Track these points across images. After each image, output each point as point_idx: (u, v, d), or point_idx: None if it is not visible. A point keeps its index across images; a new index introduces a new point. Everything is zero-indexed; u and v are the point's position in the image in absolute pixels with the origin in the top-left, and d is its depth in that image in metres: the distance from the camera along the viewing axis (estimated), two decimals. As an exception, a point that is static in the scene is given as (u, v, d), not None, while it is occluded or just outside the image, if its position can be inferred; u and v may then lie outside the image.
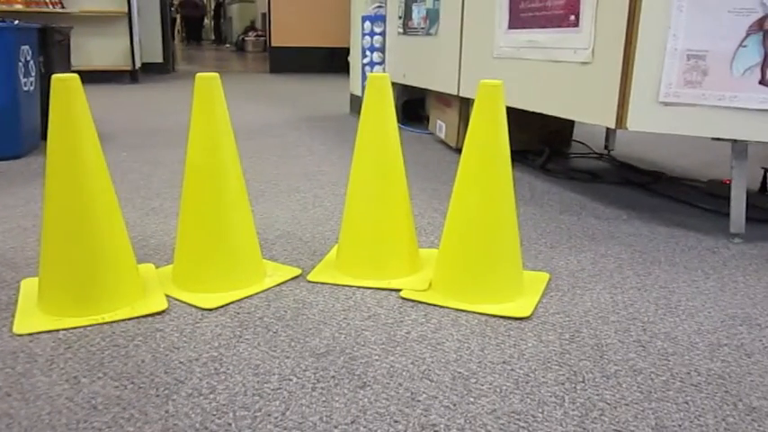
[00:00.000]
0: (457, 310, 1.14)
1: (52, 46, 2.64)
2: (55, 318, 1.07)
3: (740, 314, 1.15)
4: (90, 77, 5.38)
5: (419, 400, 0.86)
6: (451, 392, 0.88)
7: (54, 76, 1.03)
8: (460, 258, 1.17)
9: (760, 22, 1.40)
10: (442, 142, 2.86)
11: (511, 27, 2.04)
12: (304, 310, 1.13)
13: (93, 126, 1.07)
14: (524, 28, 1.97)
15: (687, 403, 0.87)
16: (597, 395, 0.88)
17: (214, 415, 0.82)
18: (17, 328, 1.04)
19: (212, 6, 18.98)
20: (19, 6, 5.13)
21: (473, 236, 1.15)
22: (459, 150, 2.17)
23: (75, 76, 1.04)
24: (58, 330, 1.03)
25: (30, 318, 1.07)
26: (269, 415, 0.83)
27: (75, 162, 1.05)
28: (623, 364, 0.97)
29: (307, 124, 3.42)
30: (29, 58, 2.43)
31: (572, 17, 1.74)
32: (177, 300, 1.16)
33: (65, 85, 1.03)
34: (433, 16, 2.65)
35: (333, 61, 7.29)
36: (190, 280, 1.20)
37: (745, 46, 1.41)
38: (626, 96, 1.55)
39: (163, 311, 1.11)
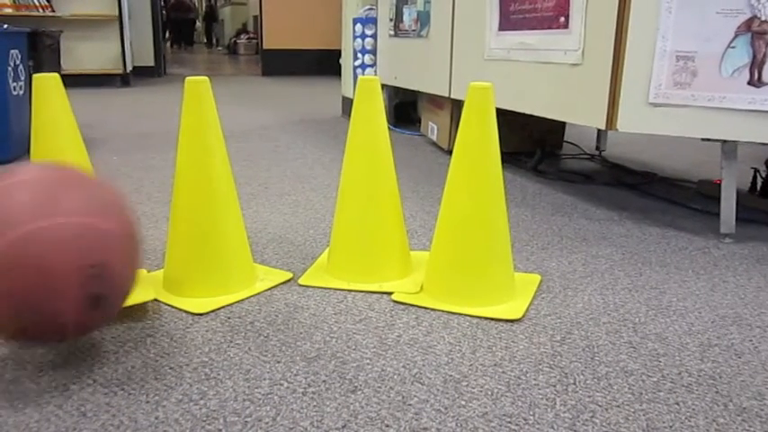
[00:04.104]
0: (448, 312, 1.14)
1: (42, 50, 2.63)
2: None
3: (731, 314, 1.16)
4: (81, 81, 5.38)
5: (410, 404, 0.86)
6: (443, 396, 0.88)
7: (35, 76, 1.03)
8: (452, 261, 1.17)
9: (748, 23, 1.40)
10: (435, 144, 2.86)
11: (501, 29, 2.05)
12: (295, 314, 1.13)
13: (75, 124, 1.07)
14: (515, 30, 1.97)
15: (678, 404, 0.87)
16: (588, 397, 0.88)
17: (204, 421, 0.82)
18: None
19: (203, 9, 18.95)
20: (8, 10, 5.10)
21: (464, 238, 1.15)
22: (451, 152, 2.17)
23: (56, 74, 1.04)
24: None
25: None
26: (260, 420, 0.82)
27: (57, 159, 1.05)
28: (614, 365, 0.97)
29: (299, 127, 3.42)
30: (18, 62, 2.41)
31: (562, 19, 1.75)
32: (168, 305, 1.15)
33: (45, 84, 1.03)
34: (423, 18, 2.65)
35: (325, 64, 7.29)
36: (180, 285, 1.19)
37: (733, 47, 1.42)
38: (616, 97, 1.55)
39: (149, 301, 1.11)
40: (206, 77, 1.14)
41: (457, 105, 2.54)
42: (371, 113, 1.23)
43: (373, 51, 3.35)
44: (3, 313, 0.83)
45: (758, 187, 1.89)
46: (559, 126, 2.65)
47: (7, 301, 0.83)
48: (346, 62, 3.82)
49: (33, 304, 0.83)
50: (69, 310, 0.86)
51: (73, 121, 1.07)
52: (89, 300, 0.87)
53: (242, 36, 13.75)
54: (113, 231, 0.90)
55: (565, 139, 2.71)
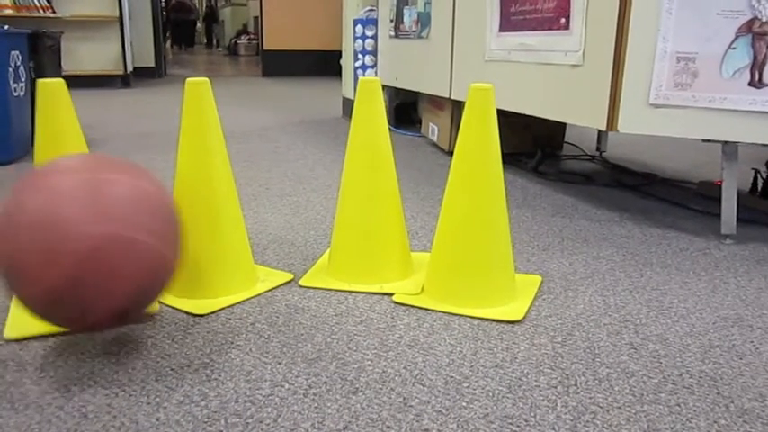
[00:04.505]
0: (449, 313, 1.14)
1: (43, 51, 2.63)
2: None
3: (732, 315, 1.16)
4: (81, 82, 5.38)
5: (411, 405, 0.86)
6: (444, 397, 0.88)
7: (39, 81, 1.03)
8: (452, 262, 1.17)
9: (749, 25, 1.40)
10: (435, 145, 2.86)
11: (502, 30, 2.05)
12: (296, 315, 1.13)
13: (79, 129, 1.07)
14: (515, 31, 1.97)
15: (679, 405, 0.87)
16: (589, 398, 0.88)
17: (205, 422, 0.82)
18: (8, 333, 1.03)
19: (203, 10, 18.96)
20: (9, 11, 5.10)
21: (465, 239, 1.15)
22: (451, 153, 2.17)
23: (61, 80, 1.04)
24: (47, 336, 1.03)
25: (21, 323, 1.06)
26: (261, 422, 0.82)
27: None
28: (615, 366, 0.97)
29: (299, 128, 3.42)
30: (19, 63, 2.42)
31: (562, 20, 1.75)
32: (169, 306, 1.15)
33: (49, 89, 1.03)
34: (424, 20, 2.66)
35: (325, 65, 7.29)
36: (181, 286, 1.19)
37: (734, 48, 1.42)
38: (617, 99, 1.55)
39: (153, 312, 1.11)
40: (206, 79, 1.14)
41: (457, 106, 2.54)
42: (372, 114, 1.23)
43: (374, 52, 3.35)
44: (50, 292, 0.85)
45: (759, 188, 1.89)
46: (560, 127, 2.66)
47: (60, 286, 0.84)
48: (347, 63, 3.82)
49: (79, 298, 0.85)
50: (100, 314, 0.88)
51: (78, 127, 1.06)
52: (120, 312, 0.90)
53: (242, 37, 13.76)
54: (172, 265, 0.94)
55: (565, 140, 2.71)
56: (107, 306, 0.88)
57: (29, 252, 0.84)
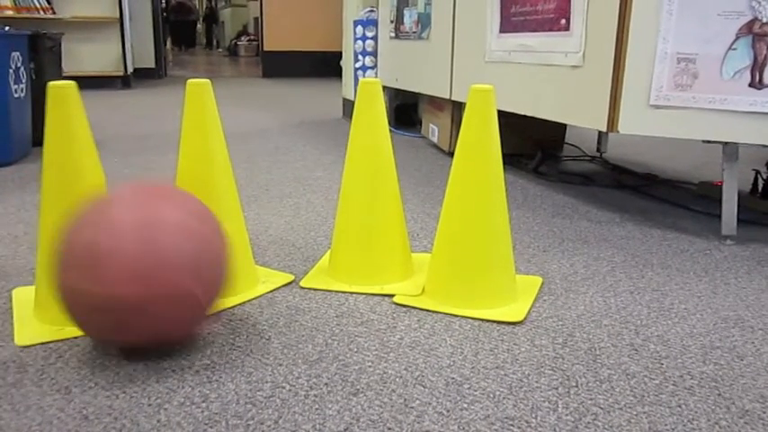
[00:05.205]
0: (450, 315, 1.14)
1: (43, 52, 2.63)
2: (57, 327, 1.05)
3: (732, 316, 1.16)
4: (81, 83, 5.34)
5: (412, 407, 0.86)
6: (445, 398, 0.88)
7: (50, 84, 1.02)
8: (453, 263, 1.17)
9: (749, 26, 1.40)
10: (435, 146, 2.86)
11: (502, 31, 2.05)
12: (297, 316, 1.13)
13: (90, 134, 1.07)
14: (516, 32, 1.97)
15: (680, 407, 0.87)
16: (590, 400, 0.88)
17: (206, 424, 0.82)
18: (18, 341, 1.02)
19: (203, 11, 18.95)
20: (9, 12, 5.10)
21: (465, 240, 1.15)
22: (452, 154, 2.17)
23: (72, 83, 1.04)
24: (58, 340, 1.02)
25: (29, 328, 1.06)
26: (262, 423, 0.82)
27: (71, 171, 1.04)
28: (616, 368, 0.97)
29: (299, 129, 3.42)
30: (20, 64, 2.42)
31: (563, 21, 1.75)
32: (169, 307, 1.15)
33: (61, 92, 1.02)
34: (424, 20, 2.66)
35: (325, 66, 7.29)
36: (182, 287, 1.19)
37: (734, 49, 1.42)
38: (617, 100, 1.55)
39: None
40: (207, 80, 1.14)
41: (457, 107, 2.54)
42: (373, 116, 1.23)
43: (374, 53, 3.36)
44: (112, 300, 0.87)
45: (759, 189, 1.89)
46: (560, 128, 2.65)
47: (124, 301, 0.87)
48: (347, 64, 3.82)
49: (124, 320, 0.88)
50: (124, 338, 0.93)
51: (88, 130, 1.06)
52: (140, 343, 0.94)
53: (242, 38, 13.76)
54: (204, 322, 1.00)
55: (566, 140, 2.71)
56: (136, 336, 0.91)
57: (126, 262, 0.86)
